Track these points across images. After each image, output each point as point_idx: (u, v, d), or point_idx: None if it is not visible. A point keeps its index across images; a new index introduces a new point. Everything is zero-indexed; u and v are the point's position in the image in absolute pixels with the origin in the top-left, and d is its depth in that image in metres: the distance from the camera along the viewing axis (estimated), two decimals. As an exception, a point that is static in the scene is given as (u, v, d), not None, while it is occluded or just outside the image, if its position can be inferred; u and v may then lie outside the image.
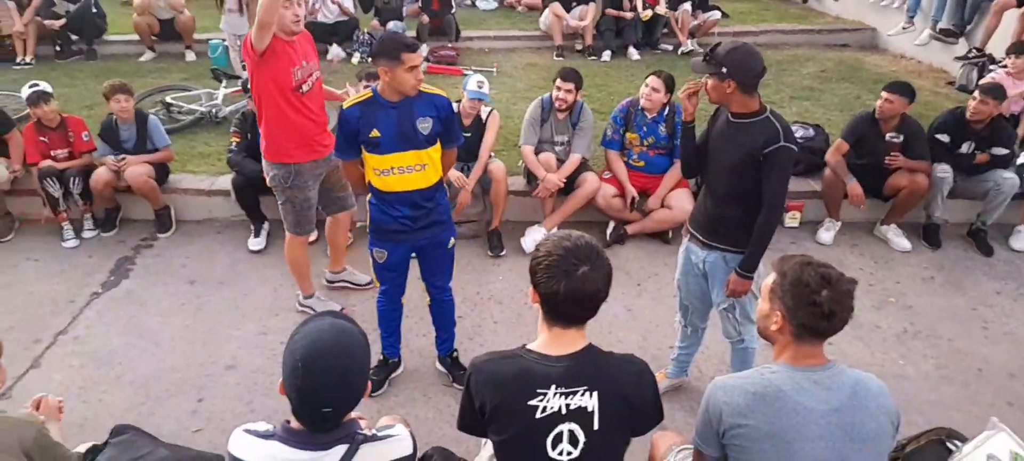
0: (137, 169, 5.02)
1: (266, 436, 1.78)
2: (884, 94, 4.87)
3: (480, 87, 4.87)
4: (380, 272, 3.48)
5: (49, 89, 5.15)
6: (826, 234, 5.17)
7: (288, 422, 1.79)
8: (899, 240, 5.10)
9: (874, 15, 9.59)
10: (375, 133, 3.12)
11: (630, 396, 1.93)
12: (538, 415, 1.85)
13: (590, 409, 1.87)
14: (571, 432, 1.87)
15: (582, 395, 1.87)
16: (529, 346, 1.96)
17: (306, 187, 3.93)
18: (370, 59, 3.24)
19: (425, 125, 3.16)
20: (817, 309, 1.87)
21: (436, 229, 3.39)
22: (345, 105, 3.19)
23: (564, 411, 1.86)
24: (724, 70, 2.77)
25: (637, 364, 1.99)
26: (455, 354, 3.79)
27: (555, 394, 1.86)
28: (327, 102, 4.14)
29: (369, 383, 1.82)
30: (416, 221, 3.31)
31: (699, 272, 3.19)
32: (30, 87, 5.11)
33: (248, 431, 1.81)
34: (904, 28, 8.91)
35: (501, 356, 1.97)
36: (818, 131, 5.75)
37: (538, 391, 1.86)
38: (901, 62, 8.80)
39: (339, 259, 4.55)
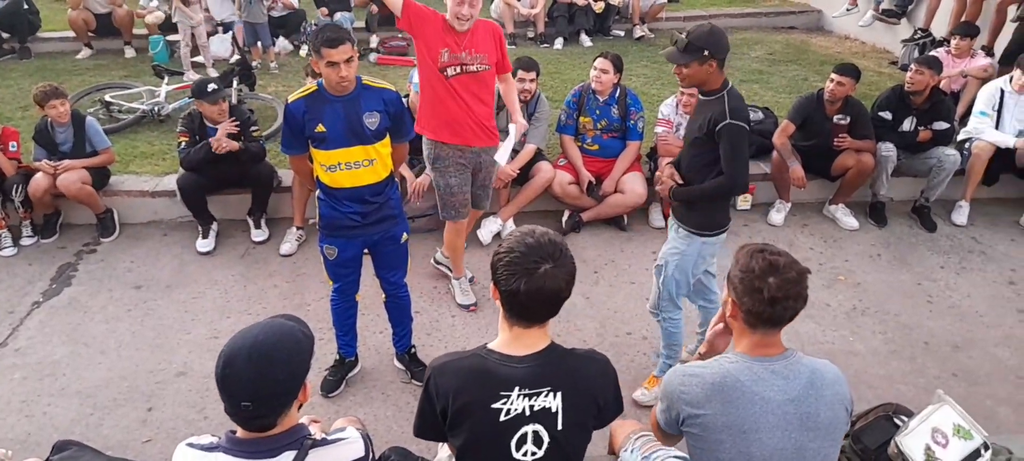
0: (70, 176, 4.79)
1: (210, 448, 1.73)
2: (834, 77, 4.96)
3: None
4: (331, 269, 3.41)
5: None
6: (777, 215, 5.26)
7: (233, 432, 1.74)
8: (847, 219, 5.22)
9: (819, -2, 9.79)
10: (321, 128, 3.05)
11: (594, 394, 1.92)
12: (502, 418, 1.82)
13: (554, 410, 1.85)
14: (536, 433, 1.85)
15: (546, 396, 1.84)
16: (490, 346, 1.92)
17: (446, 172, 3.83)
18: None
19: (372, 120, 3.10)
20: (760, 296, 1.87)
21: (387, 224, 3.34)
22: (289, 98, 3.11)
23: (528, 413, 1.83)
24: (706, 52, 2.85)
25: (600, 362, 1.98)
26: (413, 350, 3.74)
27: (519, 396, 1.83)
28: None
29: (307, 384, 1.77)
30: (366, 217, 3.26)
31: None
32: None
33: (191, 445, 1.75)
34: (848, 10, 9.12)
35: (462, 357, 1.93)
36: (768, 114, 5.84)
37: (501, 394, 1.83)
38: (846, 43, 9.01)
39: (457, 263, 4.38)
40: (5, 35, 8.24)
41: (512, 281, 1.78)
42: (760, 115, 5.78)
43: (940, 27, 7.57)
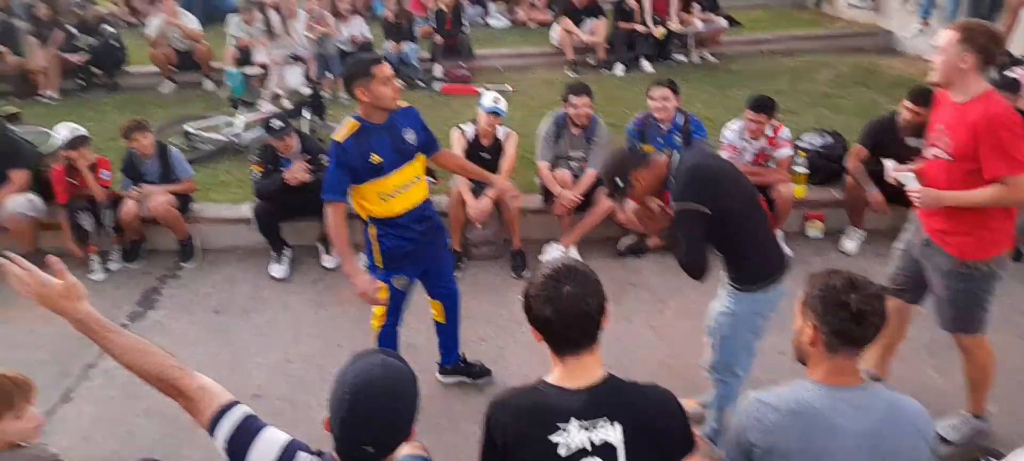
0: (159, 199, 5.08)
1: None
2: (909, 106, 4.73)
3: (496, 102, 4.88)
4: (395, 303, 3.45)
5: (86, 133, 5.25)
6: (850, 243, 5.11)
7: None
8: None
9: (888, 18, 9.52)
10: (376, 158, 3.13)
11: (657, 427, 1.88)
12: (562, 452, 1.80)
13: (615, 443, 1.82)
14: None
15: (605, 427, 1.82)
16: (547, 379, 1.93)
17: None
18: (346, 89, 3.25)
19: (410, 136, 3.24)
20: (846, 310, 1.83)
21: (438, 233, 3.51)
22: (338, 139, 3.14)
23: (589, 448, 1.81)
24: (619, 182, 2.88)
25: (661, 392, 1.94)
26: (463, 354, 3.85)
27: (578, 429, 1.81)
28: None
29: (415, 427, 1.77)
30: (425, 234, 3.37)
31: None
32: (70, 131, 5.18)
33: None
34: (920, 30, 8.84)
35: (520, 391, 1.95)
36: (837, 138, 5.70)
37: (558, 425, 1.81)
38: (918, 64, 8.71)
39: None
40: (96, 70, 8.76)
41: (541, 309, 1.83)
42: (829, 139, 5.66)
43: (1018, 46, 7.27)
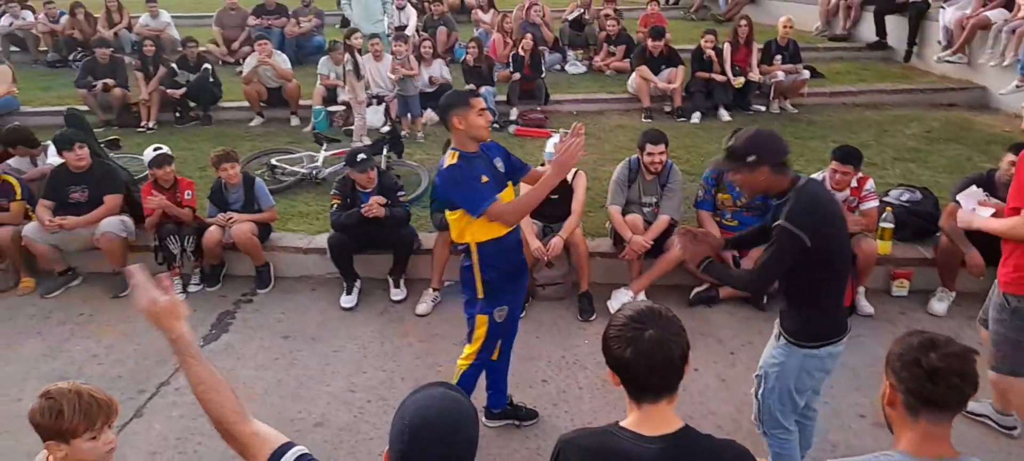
0: (242, 227, 5.30)
1: None
2: (1011, 158, 4.47)
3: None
4: (492, 337, 3.42)
5: (169, 152, 5.57)
6: (939, 305, 4.82)
7: None
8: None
9: (982, 74, 9.09)
10: (485, 179, 3.20)
11: None
12: None
13: None
14: None
15: None
16: (621, 423, 1.85)
17: None
18: (441, 119, 3.31)
19: (499, 164, 3.33)
20: (919, 369, 1.72)
21: (525, 267, 3.59)
22: (451, 163, 3.15)
23: None
24: (750, 158, 2.69)
25: (738, 450, 1.84)
26: (510, 397, 3.85)
27: None
28: None
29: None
30: (522, 265, 3.49)
31: None
32: (154, 150, 5.53)
33: None
34: (1017, 87, 8.38)
35: (592, 433, 1.87)
36: (926, 194, 5.43)
37: None
38: (1015, 122, 8.25)
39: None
40: (192, 104, 9.29)
41: (620, 352, 1.75)
42: (917, 195, 5.39)
43: None
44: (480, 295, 3.35)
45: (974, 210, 3.64)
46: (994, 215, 3.51)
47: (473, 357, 3.48)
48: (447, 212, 3.36)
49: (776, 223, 2.66)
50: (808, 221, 2.63)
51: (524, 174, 3.51)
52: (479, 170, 3.18)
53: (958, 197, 4.01)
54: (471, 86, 8.74)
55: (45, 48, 11.78)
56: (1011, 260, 3.18)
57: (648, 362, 1.73)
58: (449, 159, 3.20)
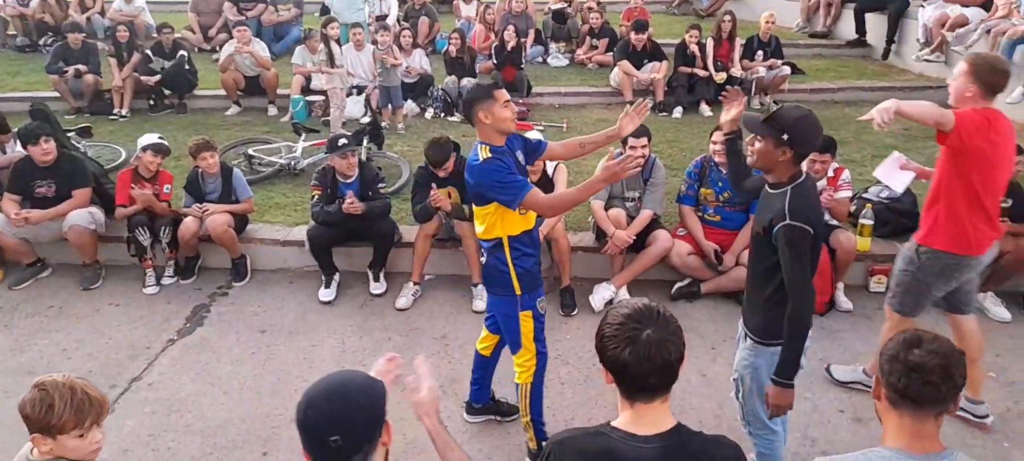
0: (218, 218, 5.18)
1: None
2: None
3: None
4: (540, 330, 3.32)
5: (167, 145, 5.48)
6: (917, 301, 4.85)
7: None
8: (997, 309, 4.74)
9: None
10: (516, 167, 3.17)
11: None
12: None
13: None
14: None
15: None
16: (614, 423, 1.82)
17: None
18: (465, 114, 3.24)
19: (521, 155, 3.27)
20: (901, 365, 1.74)
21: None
22: (488, 156, 3.08)
23: None
24: (785, 137, 2.61)
25: (729, 446, 1.83)
26: (492, 392, 3.81)
27: None
28: None
29: (389, 423, 1.76)
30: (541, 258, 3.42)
31: None
32: (159, 138, 5.46)
33: None
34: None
35: (584, 433, 1.83)
36: (905, 191, 5.45)
37: None
38: (993, 120, 8.35)
39: None
40: (167, 92, 9.10)
41: (617, 351, 1.71)
42: (896, 192, 5.42)
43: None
44: (518, 291, 3.22)
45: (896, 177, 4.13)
46: (916, 178, 4.06)
47: (532, 362, 3.32)
48: (476, 207, 3.22)
49: (783, 224, 2.60)
50: (809, 215, 2.64)
51: (540, 154, 3.47)
52: (510, 162, 3.12)
53: (877, 173, 4.28)
54: (452, 78, 8.66)
55: (14, 32, 11.52)
56: (930, 214, 3.50)
57: (647, 364, 1.70)
58: (482, 154, 3.09)
